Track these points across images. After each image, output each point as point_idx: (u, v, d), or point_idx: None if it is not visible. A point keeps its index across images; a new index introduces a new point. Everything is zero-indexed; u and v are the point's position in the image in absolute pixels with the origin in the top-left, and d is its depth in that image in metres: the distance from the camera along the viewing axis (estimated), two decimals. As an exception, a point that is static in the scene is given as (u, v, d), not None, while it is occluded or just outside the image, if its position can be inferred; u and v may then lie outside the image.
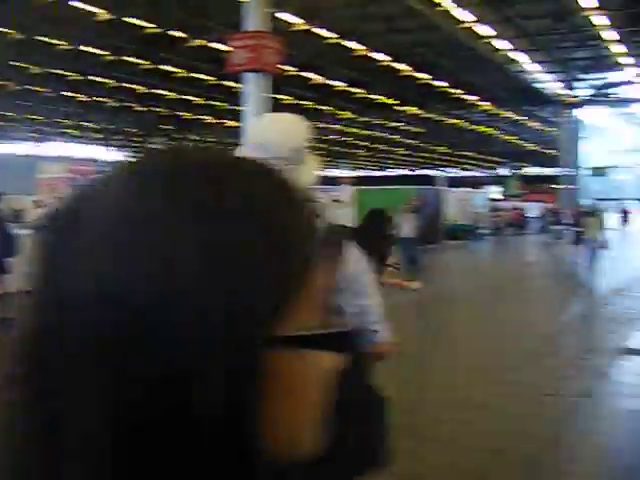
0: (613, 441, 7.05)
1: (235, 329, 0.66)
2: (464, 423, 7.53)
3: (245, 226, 0.69)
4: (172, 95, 48.17)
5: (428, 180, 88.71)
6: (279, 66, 20.52)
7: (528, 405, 8.08)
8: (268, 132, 2.75)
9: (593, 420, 7.65)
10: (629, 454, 6.68)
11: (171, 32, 32.82)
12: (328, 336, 0.75)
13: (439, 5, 29.73)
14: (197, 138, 71.09)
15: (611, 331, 12.65)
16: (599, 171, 57.51)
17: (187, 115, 56.33)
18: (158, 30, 32.19)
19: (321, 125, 63.00)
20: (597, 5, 31.98)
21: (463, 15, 31.41)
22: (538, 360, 10.56)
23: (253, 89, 19.31)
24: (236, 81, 23.88)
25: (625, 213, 58.27)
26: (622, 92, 54.83)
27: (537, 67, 45.80)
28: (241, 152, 2.70)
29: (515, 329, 13.95)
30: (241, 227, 0.68)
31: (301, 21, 32.13)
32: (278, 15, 29.74)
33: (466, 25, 32.86)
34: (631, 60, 45.16)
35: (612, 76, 52.78)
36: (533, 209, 61.19)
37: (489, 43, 36.96)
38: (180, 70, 40.65)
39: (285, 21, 31.02)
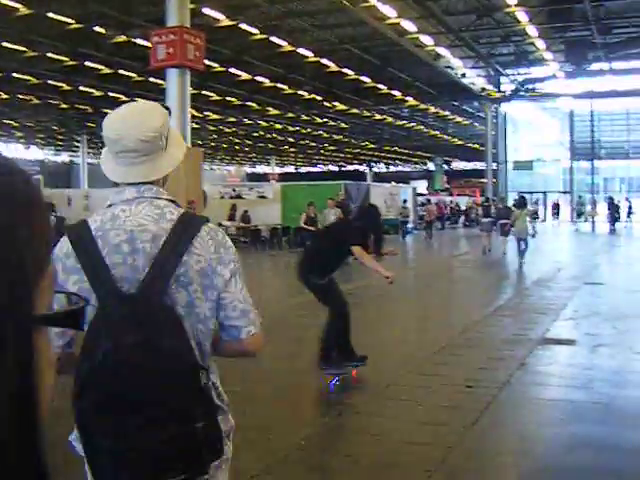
0: (533, 430, 7.12)
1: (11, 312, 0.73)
2: (382, 415, 7.54)
3: None
4: (97, 92, 47.58)
5: (358, 176, 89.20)
6: (203, 62, 20.38)
7: (448, 397, 8.13)
8: (112, 126, 2.63)
9: (513, 410, 7.73)
10: (549, 443, 6.76)
11: (94, 28, 32.35)
12: (64, 314, 0.92)
13: (364, 1, 29.80)
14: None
15: (532, 321, 12.81)
16: (523, 164, 58.28)
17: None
18: (80, 26, 31.69)
19: (248, 122, 62.88)
20: (518, 2, 32.34)
21: (388, 11, 31.50)
22: (459, 351, 10.64)
23: (176, 85, 19.14)
24: (162, 77, 23.67)
25: (556, 206, 59.05)
26: (546, 87, 55.70)
27: (462, 62, 46.24)
28: (104, 150, 2.72)
29: (437, 321, 14.06)
30: None
31: (227, 17, 31.91)
32: (204, 11, 29.56)
33: (391, 21, 32.99)
34: (551, 55, 45.91)
35: (536, 71, 53.61)
36: (460, 203, 61.89)
37: (414, 39, 37.18)
38: (104, 67, 40.12)
39: (210, 17, 30.79)
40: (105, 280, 2.41)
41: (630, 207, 49.06)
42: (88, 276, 2.43)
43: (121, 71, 41.13)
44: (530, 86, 54.37)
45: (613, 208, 47.08)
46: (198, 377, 2.31)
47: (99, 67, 39.93)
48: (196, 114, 50.76)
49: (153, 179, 2.62)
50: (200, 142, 67.30)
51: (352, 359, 8.82)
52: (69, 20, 31.04)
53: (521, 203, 25.34)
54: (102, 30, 32.85)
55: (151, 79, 39.73)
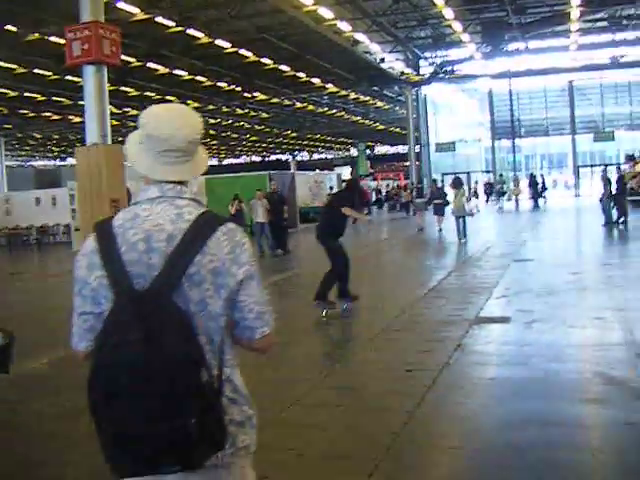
0: (476, 410, 7.12)
1: None
2: (324, 405, 7.48)
3: None
4: (12, 93, 46.61)
5: (281, 165, 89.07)
6: (120, 57, 20.06)
7: (389, 382, 8.10)
8: (161, 125, 2.68)
9: (454, 391, 7.71)
10: (492, 422, 6.76)
11: (5, 27, 31.58)
12: None
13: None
14: (41, 136, 69.18)
15: (465, 301, 12.86)
16: (446, 146, 58.79)
17: (30, 113, 54.61)
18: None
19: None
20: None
21: (304, -2, 31.46)
22: (396, 335, 10.64)
23: (93, 82, 18.82)
24: (78, 75, 23.25)
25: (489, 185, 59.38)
26: (464, 68, 56.25)
27: (381, 47, 46.40)
28: (131, 142, 2.78)
29: (371, 306, 14.03)
30: None
31: (141, 11, 31.46)
32: (118, 5, 29.12)
33: (308, 8, 32.89)
34: (468, 37, 46.32)
35: (454, 53, 54.13)
36: (384, 186, 62.24)
37: (332, 25, 37.15)
38: (18, 66, 39.26)
39: (125, 11, 30.32)
40: (121, 277, 2.54)
41: (544, 183, 49.65)
42: (107, 272, 2.56)
43: (36, 70, 40.28)
44: (449, 68, 54.91)
45: (534, 185, 47.76)
46: (197, 373, 2.39)
47: (13, 66, 39.03)
48: (115, 110, 50.12)
49: (190, 178, 2.79)
50: (121, 139, 66.55)
51: (348, 297, 12.83)
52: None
53: (458, 183, 26.53)
54: (13, 28, 32.07)
55: (68, 77, 39.08)
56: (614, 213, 27.29)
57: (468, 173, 59.69)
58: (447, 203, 28.55)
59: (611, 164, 56.33)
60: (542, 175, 52.47)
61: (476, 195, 52.18)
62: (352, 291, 12.93)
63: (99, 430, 2.44)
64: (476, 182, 54.75)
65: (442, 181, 49.66)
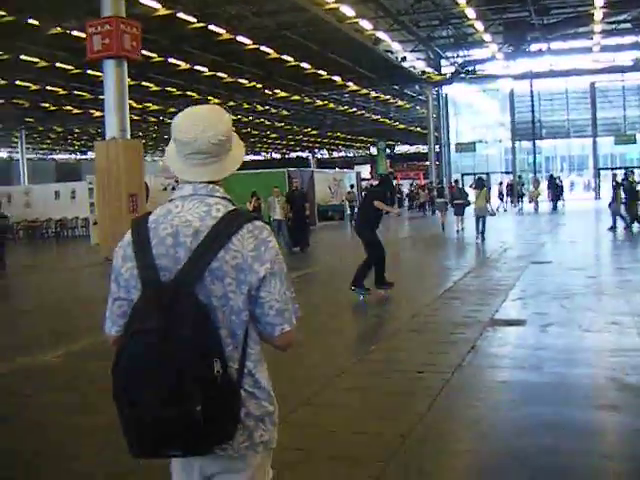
0: (487, 414, 7.08)
1: None
2: (334, 405, 7.44)
3: None
4: (35, 86, 46.79)
5: (301, 163, 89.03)
6: (140, 52, 20.12)
7: (400, 383, 8.06)
8: (185, 129, 2.82)
9: (466, 394, 7.67)
10: (504, 426, 6.72)
11: (28, 20, 31.71)
12: None
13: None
14: (62, 129, 69.38)
15: (481, 303, 12.79)
16: (466, 146, 58.64)
17: (51, 106, 54.81)
18: (13, 18, 31.05)
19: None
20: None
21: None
22: (410, 336, 10.61)
23: (113, 76, 18.90)
24: (99, 69, 23.34)
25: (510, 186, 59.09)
26: (486, 68, 56.10)
27: (402, 46, 46.30)
28: (170, 146, 2.93)
29: (387, 306, 14.01)
30: None
31: (163, 6, 31.50)
32: (140, 0, 29.17)
33: (330, 6, 32.86)
34: (490, 37, 46.17)
35: (476, 53, 53.97)
36: (406, 186, 62.03)
37: (354, 23, 37.11)
38: (40, 60, 39.39)
39: (147, 6, 30.37)
40: (149, 268, 2.69)
41: (561, 185, 49.48)
42: (137, 264, 2.72)
43: (58, 64, 40.40)
44: (470, 68, 54.81)
45: (554, 187, 47.55)
46: (207, 364, 2.50)
47: (35, 60, 39.15)
48: (136, 105, 50.23)
49: (218, 179, 2.89)
50: (141, 134, 66.71)
51: (385, 284, 14.31)
52: (1, 13, 30.37)
53: (480, 184, 27.20)
54: (36, 22, 32.19)
55: (89, 71, 39.19)
56: (621, 218, 27.39)
57: (488, 174, 59.33)
58: (468, 203, 28.76)
59: (632, 167, 56.09)
60: (559, 177, 52.18)
61: (501, 196, 51.80)
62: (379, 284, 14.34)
63: (120, 414, 2.57)
64: (500, 183, 54.40)
65: (462, 181, 49.67)
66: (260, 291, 2.71)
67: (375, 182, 18.74)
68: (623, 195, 27.23)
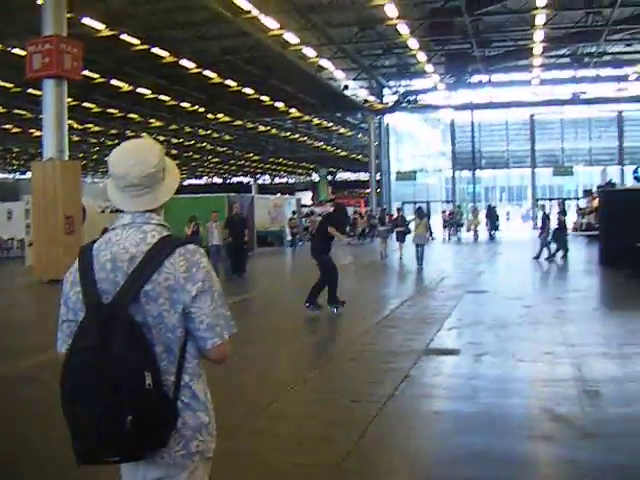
0: (420, 444, 7.06)
1: None
2: (264, 434, 7.36)
3: None
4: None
5: (243, 188, 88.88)
6: (81, 72, 19.92)
7: (333, 412, 8.00)
8: (118, 165, 3.06)
9: (399, 423, 7.64)
10: (436, 456, 6.70)
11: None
12: None
13: (247, 13, 29.58)
14: (1, 148, 68.49)
15: (416, 332, 12.80)
16: (406, 175, 59.04)
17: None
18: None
19: (130, 134, 61.89)
20: (399, 15, 32.65)
21: (270, 23, 31.37)
22: (345, 365, 10.57)
23: (52, 96, 18.66)
24: (40, 88, 23.07)
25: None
26: (427, 98, 56.67)
27: (345, 74, 46.53)
28: (109, 182, 3.16)
29: (323, 334, 13.98)
30: None
31: (107, 27, 31.29)
32: (83, 21, 28.96)
33: (274, 33, 32.90)
34: (432, 68, 46.65)
35: (418, 83, 54.50)
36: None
37: (297, 51, 37.22)
38: (-21, 78, 38.92)
39: (90, 27, 30.15)
40: (91, 292, 2.95)
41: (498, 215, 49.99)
42: (81, 288, 2.98)
43: (-2, 82, 39.92)
44: (412, 98, 55.25)
45: (492, 216, 48.01)
46: (139, 377, 2.74)
47: (-26, 78, 38.66)
48: (76, 126, 49.77)
49: (153, 208, 3.12)
50: (82, 155, 66.10)
51: (337, 303, 15.52)
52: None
53: (422, 214, 28.24)
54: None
55: (30, 90, 38.76)
56: (549, 248, 28.18)
57: (428, 203, 59.87)
58: (408, 231, 30.29)
59: (569, 198, 57.05)
60: (495, 207, 52.65)
61: (446, 225, 52.02)
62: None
63: (68, 424, 2.81)
64: (443, 212, 54.81)
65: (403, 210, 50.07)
66: (192, 307, 2.94)
67: (330, 209, 19.57)
68: (555, 225, 28.28)
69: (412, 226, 28.65)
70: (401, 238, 30.57)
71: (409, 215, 34.77)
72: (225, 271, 24.11)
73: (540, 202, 55.12)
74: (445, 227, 49.96)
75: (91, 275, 2.97)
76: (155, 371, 2.81)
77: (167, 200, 3.18)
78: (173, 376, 2.92)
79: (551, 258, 27.71)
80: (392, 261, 30.26)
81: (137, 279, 2.90)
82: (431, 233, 30.84)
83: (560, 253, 28.07)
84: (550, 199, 58.77)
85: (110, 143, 67.26)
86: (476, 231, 47.03)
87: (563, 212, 29.94)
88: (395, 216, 33.29)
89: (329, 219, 16.54)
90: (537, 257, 27.93)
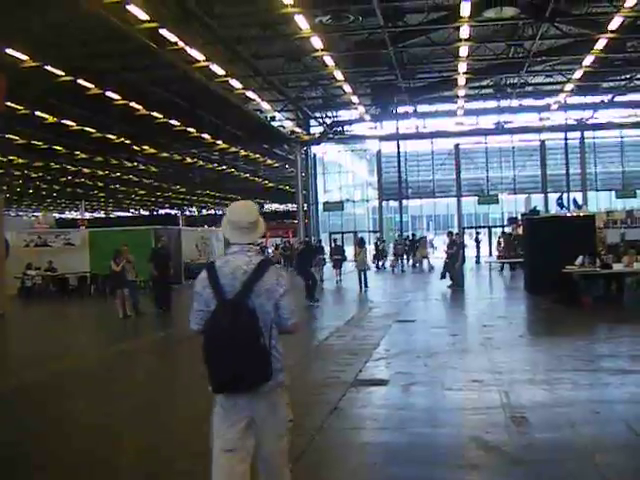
0: (348, 477, 7.03)
1: None
2: (180, 474, 7.31)
3: None
4: None
5: (171, 220, 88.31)
6: (4, 104, 19.62)
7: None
8: (236, 214, 5.09)
9: (327, 456, 7.59)
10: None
11: None
12: None
13: (173, 44, 29.47)
14: None
15: (345, 363, 12.77)
16: (334, 205, 59.30)
17: None
18: None
19: (55, 166, 61.18)
20: (324, 47, 32.87)
21: (196, 54, 31.32)
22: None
23: (-26, 128, 18.30)
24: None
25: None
26: (354, 129, 57.15)
27: (272, 106, 46.64)
28: (223, 223, 5.13)
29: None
30: None
31: (31, 58, 30.87)
32: (7, 51, 28.59)
33: (200, 64, 32.84)
34: (358, 99, 47.02)
35: (344, 114, 54.94)
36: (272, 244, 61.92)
37: (224, 82, 37.20)
38: None
39: (14, 57, 29.70)
40: (219, 291, 4.84)
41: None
42: (212, 289, 4.86)
43: None
44: (338, 128, 55.63)
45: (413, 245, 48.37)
46: (257, 339, 4.66)
47: None
48: (0, 158, 48.99)
49: (252, 242, 5.09)
50: (5, 187, 65.01)
51: (314, 299, 24.38)
52: None
53: (361, 243, 33.52)
54: None
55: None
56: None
57: (355, 233, 60.14)
58: (345, 259, 36.81)
59: (495, 226, 57.81)
60: (414, 235, 53.01)
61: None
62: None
63: (209, 372, 4.75)
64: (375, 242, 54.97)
65: (330, 240, 50.43)
66: (280, 301, 4.90)
67: (302, 246, 31.19)
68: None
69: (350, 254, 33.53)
70: (337, 265, 35.62)
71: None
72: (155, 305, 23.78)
73: (472, 230, 56.02)
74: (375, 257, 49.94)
75: (218, 281, 4.86)
76: (262, 335, 4.69)
77: (260, 237, 5.39)
78: (268, 340, 4.75)
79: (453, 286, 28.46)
80: (328, 288, 31.63)
81: (249, 284, 4.80)
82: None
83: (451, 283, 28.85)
84: (477, 227, 59.61)
85: (35, 175, 66.34)
86: (421, 261, 46.82)
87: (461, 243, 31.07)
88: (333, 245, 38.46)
89: (305, 253, 28.24)
90: (443, 277, 29.73)
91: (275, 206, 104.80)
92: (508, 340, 15.11)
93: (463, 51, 35.31)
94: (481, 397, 9.94)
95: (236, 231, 5.00)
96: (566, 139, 57.48)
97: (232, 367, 4.60)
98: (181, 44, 29.69)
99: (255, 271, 4.81)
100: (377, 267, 47.31)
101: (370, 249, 51.38)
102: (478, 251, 50.81)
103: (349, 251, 41.54)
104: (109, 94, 37.99)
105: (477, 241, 52.05)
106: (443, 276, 29.82)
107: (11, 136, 46.22)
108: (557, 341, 15.07)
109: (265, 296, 4.79)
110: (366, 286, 30.20)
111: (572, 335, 15.72)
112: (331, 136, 55.97)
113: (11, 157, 54.32)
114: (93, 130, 47.69)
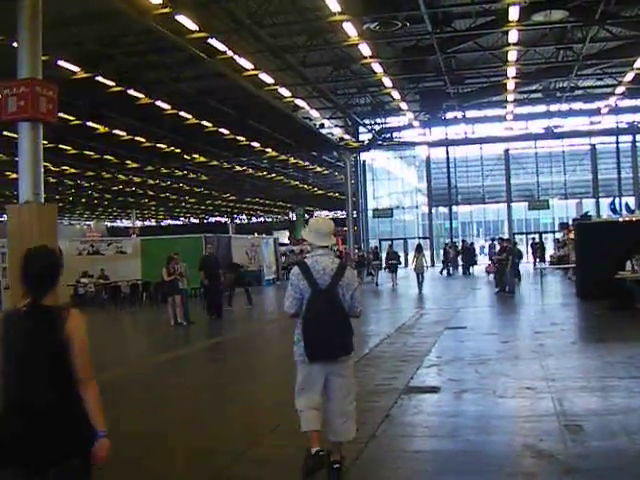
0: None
1: None
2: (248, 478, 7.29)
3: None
4: (-52, 148, 45.92)
5: (221, 228, 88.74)
6: (56, 115, 19.83)
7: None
8: (318, 225, 7.08)
9: (380, 464, 7.55)
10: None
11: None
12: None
13: (221, 53, 29.69)
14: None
15: (396, 370, 12.71)
16: (383, 212, 59.23)
17: (-35, 168, 53.81)
18: None
19: (107, 175, 61.77)
20: (372, 54, 32.87)
21: (245, 63, 31.51)
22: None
23: (28, 139, 18.50)
24: (15, 131, 22.92)
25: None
26: (403, 135, 57.03)
27: (321, 113, 46.72)
28: (305, 231, 7.21)
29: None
30: None
31: (82, 69, 31.28)
32: (58, 63, 28.96)
33: (249, 73, 33.03)
34: (407, 105, 46.93)
35: (393, 120, 54.84)
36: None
37: (272, 90, 37.37)
38: (-47, 121, 38.64)
39: (65, 69, 30.13)
40: (315, 283, 6.63)
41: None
42: (306, 280, 6.66)
43: (-29, 125, 39.69)
44: (387, 135, 55.55)
45: (467, 252, 48.18)
46: (346, 317, 6.71)
47: (-52, 121, 38.35)
48: (53, 168, 49.61)
49: (330, 245, 7.02)
50: (58, 197, 65.83)
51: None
52: None
53: (419, 248, 36.01)
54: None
55: (5, 132, 38.62)
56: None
57: (405, 239, 59.99)
58: (400, 263, 40.12)
59: (546, 232, 57.22)
60: (464, 241, 52.77)
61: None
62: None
63: (305, 342, 6.60)
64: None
65: (378, 247, 50.50)
66: (354, 293, 6.77)
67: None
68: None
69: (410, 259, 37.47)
70: (393, 269, 37.61)
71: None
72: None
73: (523, 236, 55.56)
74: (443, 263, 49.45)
75: (312, 275, 6.64)
76: (347, 314, 6.69)
77: (333, 242, 7.22)
78: (347, 319, 6.70)
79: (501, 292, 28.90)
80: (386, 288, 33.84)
81: (336, 279, 6.65)
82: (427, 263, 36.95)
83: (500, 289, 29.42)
84: (527, 233, 59.09)
85: (87, 185, 67.09)
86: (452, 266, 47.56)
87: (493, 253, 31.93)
88: (387, 251, 39.83)
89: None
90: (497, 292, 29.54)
91: (325, 213, 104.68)
92: (560, 347, 14.95)
93: (512, 55, 35.10)
94: (534, 405, 9.84)
95: (320, 236, 6.92)
96: (617, 142, 56.83)
97: (331, 339, 6.56)
98: (230, 53, 29.90)
99: (338, 270, 6.73)
100: (448, 273, 46.94)
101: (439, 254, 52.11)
102: (535, 257, 50.39)
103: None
104: (159, 104, 38.34)
105: (533, 246, 51.67)
106: (497, 285, 30.17)
107: (63, 146, 46.79)
108: (610, 348, 14.83)
109: (345, 288, 6.72)
110: (421, 288, 32.85)
111: (626, 342, 15.47)
112: (380, 143, 55.94)
113: (64, 167, 54.98)
114: (143, 140, 48.15)
